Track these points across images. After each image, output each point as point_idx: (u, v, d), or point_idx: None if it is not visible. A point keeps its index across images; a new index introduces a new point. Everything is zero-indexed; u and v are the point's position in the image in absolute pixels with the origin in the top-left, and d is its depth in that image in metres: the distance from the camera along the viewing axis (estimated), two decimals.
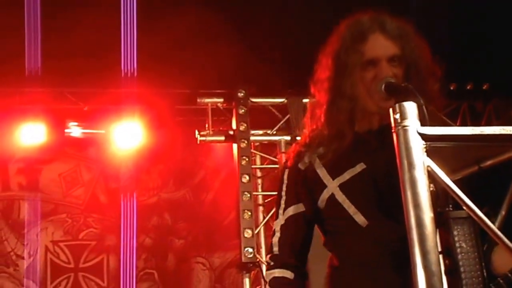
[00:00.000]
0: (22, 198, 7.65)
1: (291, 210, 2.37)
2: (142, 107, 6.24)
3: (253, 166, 5.32)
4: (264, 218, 5.38)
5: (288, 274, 2.33)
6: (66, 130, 6.37)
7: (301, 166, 2.35)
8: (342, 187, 2.24)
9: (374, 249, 2.19)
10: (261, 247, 5.29)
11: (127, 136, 6.42)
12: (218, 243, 7.66)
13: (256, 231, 5.08)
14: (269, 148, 5.73)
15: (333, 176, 2.27)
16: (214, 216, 7.63)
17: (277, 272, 2.34)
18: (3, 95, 6.06)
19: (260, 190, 5.55)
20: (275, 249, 2.39)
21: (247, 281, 4.96)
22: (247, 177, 5.10)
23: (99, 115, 6.42)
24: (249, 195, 5.05)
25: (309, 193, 2.33)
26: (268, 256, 2.42)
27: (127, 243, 7.22)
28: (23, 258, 7.51)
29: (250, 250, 4.92)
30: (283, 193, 2.41)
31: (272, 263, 2.38)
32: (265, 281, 5.18)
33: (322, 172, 2.29)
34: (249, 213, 5.00)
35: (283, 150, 5.37)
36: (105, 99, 6.23)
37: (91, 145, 7.55)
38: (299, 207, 2.36)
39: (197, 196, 7.81)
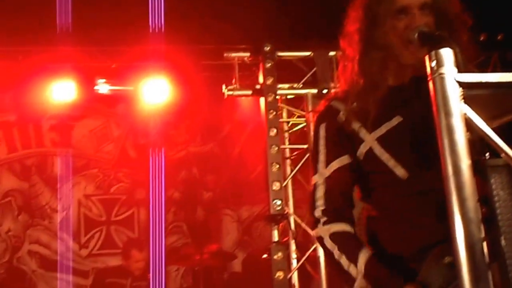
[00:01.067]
0: (55, 154, 7.72)
1: (336, 163, 2.27)
2: (170, 63, 6.19)
3: (280, 120, 5.26)
4: (291, 171, 5.34)
5: (348, 228, 2.23)
6: (95, 87, 6.35)
7: (339, 119, 2.27)
8: (380, 140, 2.18)
9: (415, 200, 2.13)
10: (289, 200, 5.27)
11: (154, 92, 6.40)
12: (245, 196, 7.68)
13: (284, 184, 5.04)
14: (296, 102, 5.67)
15: (370, 130, 2.20)
16: (241, 169, 7.64)
17: (336, 227, 2.23)
18: (35, 52, 6.05)
19: (287, 143, 5.50)
20: (320, 202, 2.28)
21: (275, 233, 4.94)
22: (275, 130, 5.04)
23: (127, 72, 6.40)
24: (277, 148, 5.01)
25: (351, 146, 2.25)
26: (317, 211, 2.28)
27: (156, 197, 7.26)
28: (57, 211, 7.60)
29: (279, 202, 4.89)
30: (322, 148, 2.31)
31: (325, 218, 2.25)
32: (293, 232, 5.18)
33: (358, 127, 2.23)
34: (277, 166, 4.95)
35: (310, 103, 5.31)
36: (133, 56, 6.20)
37: (120, 101, 7.56)
38: (344, 160, 2.27)
39: (224, 149, 7.81)
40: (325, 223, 2.26)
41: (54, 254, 7.49)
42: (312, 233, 2.34)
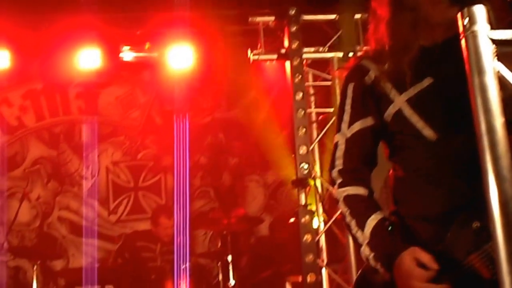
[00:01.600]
0: (82, 121, 7.78)
1: (358, 124, 2.29)
2: (194, 29, 6.18)
3: (306, 84, 5.24)
4: (318, 135, 5.34)
5: (362, 191, 2.25)
6: (121, 55, 6.37)
7: (367, 80, 2.27)
8: (409, 101, 2.16)
9: (443, 162, 2.11)
10: (315, 163, 5.28)
11: (179, 58, 6.40)
12: (271, 161, 7.69)
13: (310, 148, 5.05)
14: (321, 65, 5.65)
15: (400, 91, 2.19)
16: (266, 134, 7.64)
17: (351, 190, 2.25)
18: (60, 20, 6.06)
19: (313, 107, 5.48)
20: (339, 162, 2.31)
21: (302, 197, 4.96)
22: (301, 94, 5.02)
23: (152, 38, 6.40)
24: (303, 112, 5.00)
25: (376, 107, 2.25)
26: (334, 171, 2.32)
27: (181, 162, 7.29)
28: (86, 178, 7.68)
29: (306, 166, 4.89)
30: (348, 107, 2.32)
31: (340, 180, 2.29)
32: (321, 197, 5.19)
33: (388, 87, 2.21)
34: (304, 130, 4.95)
35: (335, 66, 5.27)
36: (158, 22, 6.19)
37: (145, 68, 7.58)
38: (367, 121, 2.28)
39: (249, 115, 7.81)
40: (340, 185, 2.29)
41: (83, 220, 7.60)
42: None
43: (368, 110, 2.28)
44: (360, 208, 2.24)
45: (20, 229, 7.49)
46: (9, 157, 7.68)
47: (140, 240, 6.74)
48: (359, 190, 2.26)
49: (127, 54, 6.36)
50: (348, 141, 2.31)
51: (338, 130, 2.35)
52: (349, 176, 2.28)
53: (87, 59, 6.46)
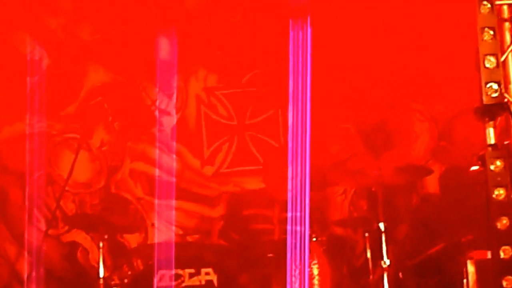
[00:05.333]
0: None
1: None
2: None
3: None
4: None
5: None
6: None
7: None
8: None
9: None
10: (509, 82, 5.30)
11: None
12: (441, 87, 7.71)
13: (502, 59, 5.07)
14: None
15: None
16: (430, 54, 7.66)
17: None
18: None
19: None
20: None
21: (491, 132, 5.01)
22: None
23: None
24: (489, 5, 5.01)
25: None
26: None
27: (299, 89, 7.34)
28: (168, 114, 7.89)
29: (495, 86, 4.93)
30: None
31: None
32: None
33: None
34: (491, 32, 4.97)
35: None
36: None
37: None
38: None
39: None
40: None
41: (165, 174, 7.83)
42: None
43: None
44: None
45: (78, 191, 7.78)
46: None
47: (249, 203, 6.97)
48: None
49: None
50: None
51: None
52: None
53: None
